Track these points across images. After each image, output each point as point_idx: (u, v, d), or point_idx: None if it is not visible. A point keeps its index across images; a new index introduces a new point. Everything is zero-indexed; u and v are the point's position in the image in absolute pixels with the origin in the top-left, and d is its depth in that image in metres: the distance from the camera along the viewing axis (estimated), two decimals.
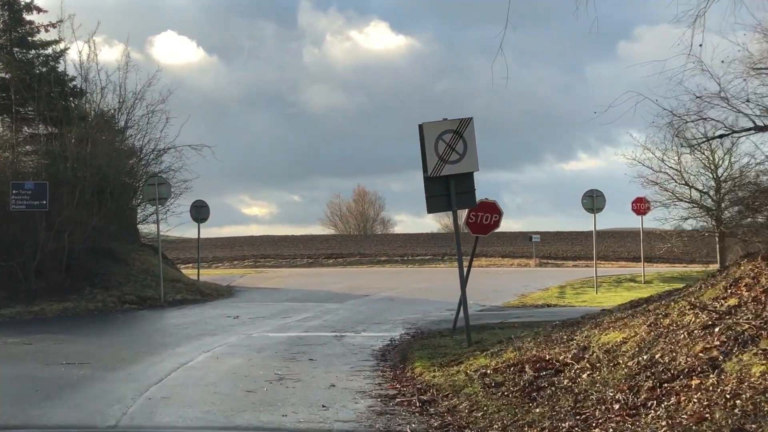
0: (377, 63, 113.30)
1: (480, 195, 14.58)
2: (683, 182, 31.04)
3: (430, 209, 14.04)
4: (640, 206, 31.35)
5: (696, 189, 31.12)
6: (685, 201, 31.13)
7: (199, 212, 30.42)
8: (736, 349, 7.20)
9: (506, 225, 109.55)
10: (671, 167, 31.21)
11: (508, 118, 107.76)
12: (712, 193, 30.91)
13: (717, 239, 30.39)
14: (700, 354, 7.41)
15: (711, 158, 30.67)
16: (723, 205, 30.25)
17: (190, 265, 42.82)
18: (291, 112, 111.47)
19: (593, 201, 27.69)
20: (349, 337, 16.15)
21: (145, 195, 26.82)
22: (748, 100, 11.30)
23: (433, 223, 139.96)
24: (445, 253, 60.28)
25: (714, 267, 34.44)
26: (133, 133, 29.21)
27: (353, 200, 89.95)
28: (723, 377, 6.83)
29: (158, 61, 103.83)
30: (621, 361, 8.34)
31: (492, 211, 16.19)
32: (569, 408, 7.55)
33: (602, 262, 54.11)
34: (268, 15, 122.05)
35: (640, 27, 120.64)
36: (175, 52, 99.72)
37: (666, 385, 7.15)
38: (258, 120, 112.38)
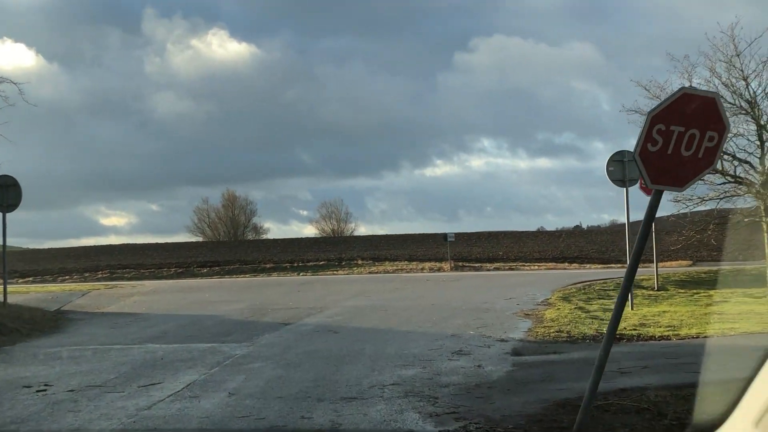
0: (222, 70, 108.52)
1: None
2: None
3: None
4: None
5: (732, 157, 22.35)
6: (719, 174, 22.33)
7: (6, 195, 19.14)
8: None
9: (372, 230, 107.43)
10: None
11: (362, 126, 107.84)
12: (757, 162, 22.16)
13: (765, 224, 21.52)
14: None
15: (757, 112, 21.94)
16: None
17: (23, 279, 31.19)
18: (138, 120, 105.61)
19: (624, 168, 18.30)
20: None
21: None
22: None
23: (298, 230, 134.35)
24: (341, 258, 51.82)
25: (755, 265, 25.88)
26: None
27: (222, 206, 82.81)
28: None
29: None
30: None
31: None
32: None
33: (539, 264, 45.75)
34: (113, 21, 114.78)
35: (475, 38, 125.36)
36: (11, 60, 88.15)
37: None
38: (106, 129, 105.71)
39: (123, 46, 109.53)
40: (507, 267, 43.77)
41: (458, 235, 56.31)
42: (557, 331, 13.97)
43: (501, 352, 11.85)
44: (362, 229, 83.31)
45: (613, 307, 18.67)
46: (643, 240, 6.11)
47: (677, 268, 32.73)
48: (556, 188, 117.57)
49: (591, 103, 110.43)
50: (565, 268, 41.10)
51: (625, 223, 19.73)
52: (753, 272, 24.51)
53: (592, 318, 16.06)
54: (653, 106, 6.14)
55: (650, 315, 16.60)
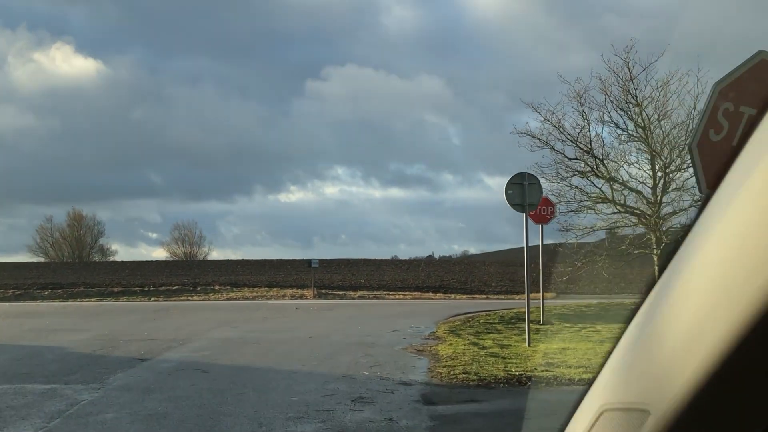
0: (66, 86, 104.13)
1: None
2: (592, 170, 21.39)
3: None
4: (545, 210, 20.71)
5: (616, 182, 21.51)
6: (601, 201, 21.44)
7: None
8: None
9: (224, 254, 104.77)
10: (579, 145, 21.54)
11: (214, 149, 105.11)
12: (648, 192, 21.36)
13: (656, 257, 20.67)
14: None
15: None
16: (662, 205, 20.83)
17: None
18: None
19: (524, 191, 16.88)
20: None
21: None
22: None
23: (147, 253, 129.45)
24: (196, 282, 49.07)
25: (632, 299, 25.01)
26: None
27: (67, 225, 78.58)
28: None
29: None
30: None
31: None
32: None
33: (403, 293, 44.38)
34: None
35: (327, 67, 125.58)
36: None
37: None
38: None
39: None
40: (371, 296, 42.15)
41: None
42: (464, 373, 12.18)
43: (409, 400, 9.95)
44: (215, 254, 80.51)
45: (504, 341, 17.17)
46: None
47: (549, 300, 31.91)
48: (408, 218, 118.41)
49: (441, 136, 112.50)
50: (431, 298, 39.87)
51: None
52: (631, 306, 23.69)
53: (493, 356, 14.39)
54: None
55: (551, 352, 15.11)
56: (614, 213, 21.56)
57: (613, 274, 23.61)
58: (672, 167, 21.09)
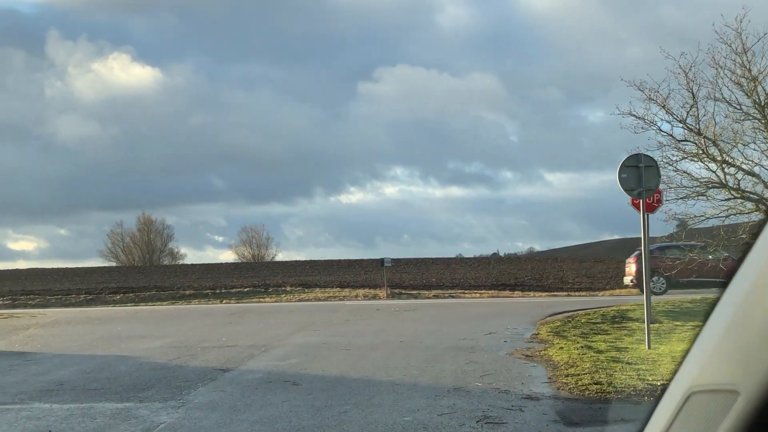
0: (126, 94, 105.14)
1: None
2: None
3: None
4: (651, 198, 18.58)
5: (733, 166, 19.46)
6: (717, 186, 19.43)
7: None
8: None
9: (289, 256, 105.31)
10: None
11: (272, 152, 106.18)
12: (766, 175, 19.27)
13: None
14: None
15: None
16: None
17: None
18: (41, 144, 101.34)
19: (641, 175, 15.00)
20: None
21: None
22: None
23: (214, 256, 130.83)
24: (267, 284, 48.14)
25: None
26: None
27: (138, 230, 78.94)
28: None
29: None
30: None
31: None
32: None
33: (479, 291, 42.59)
34: (17, 43, 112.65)
35: (379, 68, 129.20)
36: None
37: None
38: (7, 152, 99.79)
39: (26, 68, 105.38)
40: (446, 294, 40.38)
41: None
42: (594, 383, 10.41)
43: (545, 419, 8.27)
44: (280, 255, 79.77)
45: (618, 344, 15.32)
46: None
47: (637, 297, 29.81)
48: (470, 216, 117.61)
49: (498, 133, 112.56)
50: (509, 296, 37.97)
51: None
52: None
53: (616, 362, 12.60)
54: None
55: (677, 355, 13.27)
56: (728, 199, 19.49)
57: (728, 267, 21.52)
58: None
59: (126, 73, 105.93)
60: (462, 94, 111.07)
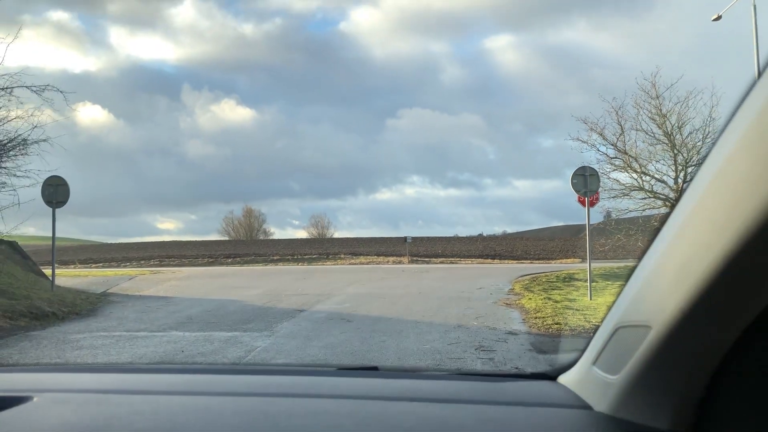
0: (232, 127, 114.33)
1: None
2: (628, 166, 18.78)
3: None
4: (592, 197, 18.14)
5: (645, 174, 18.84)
6: (637, 189, 18.81)
7: (56, 192, 14.72)
8: None
9: (343, 234, 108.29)
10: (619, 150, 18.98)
11: (328, 165, 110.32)
12: (671, 181, 18.66)
13: None
14: None
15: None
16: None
17: (72, 266, 27.30)
18: (177, 160, 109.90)
19: (586, 180, 14.57)
20: None
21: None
22: None
23: (293, 233, 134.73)
24: (328, 252, 48.00)
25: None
26: None
27: (243, 215, 79.58)
28: None
29: (80, 123, 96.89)
30: None
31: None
32: None
33: (471, 259, 42.05)
34: (162, 92, 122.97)
35: (401, 109, 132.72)
36: (90, 116, 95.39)
37: None
38: (156, 165, 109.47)
39: (168, 108, 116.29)
40: (448, 261, 39.94)
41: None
42: (555, 324, 10.07)
43: (522, 348, 7.94)
44: (336, 234, 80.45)
45: (569, 296, 14.87)
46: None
47: (579, 264, 29.18)
48: (462, 209, 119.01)
49: (481, 153, 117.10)
50: (491, 263, 37.46)
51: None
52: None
53: (568, 309, 12.22)
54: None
55: (610, 304, 12.82)
56: (645, 198, 18.96)
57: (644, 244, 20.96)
58: (690, 163, 18.41)
59: (233, 112, 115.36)
60: (457, 127, 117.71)
